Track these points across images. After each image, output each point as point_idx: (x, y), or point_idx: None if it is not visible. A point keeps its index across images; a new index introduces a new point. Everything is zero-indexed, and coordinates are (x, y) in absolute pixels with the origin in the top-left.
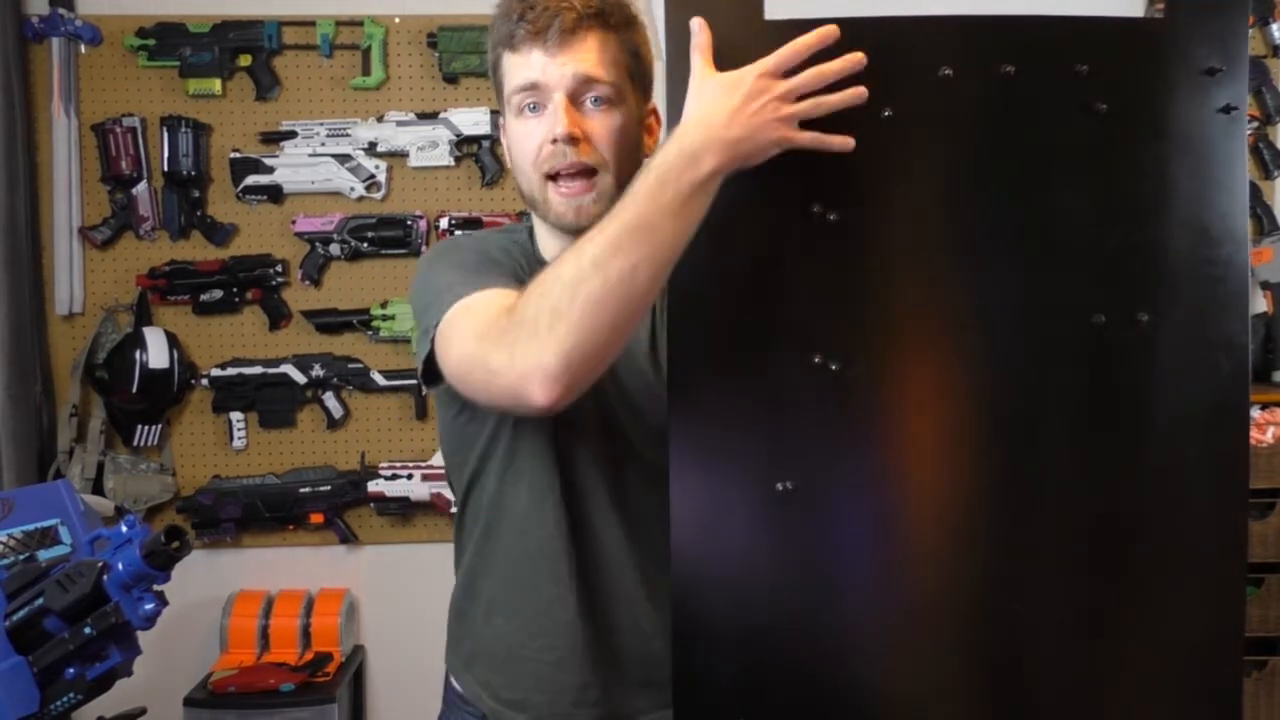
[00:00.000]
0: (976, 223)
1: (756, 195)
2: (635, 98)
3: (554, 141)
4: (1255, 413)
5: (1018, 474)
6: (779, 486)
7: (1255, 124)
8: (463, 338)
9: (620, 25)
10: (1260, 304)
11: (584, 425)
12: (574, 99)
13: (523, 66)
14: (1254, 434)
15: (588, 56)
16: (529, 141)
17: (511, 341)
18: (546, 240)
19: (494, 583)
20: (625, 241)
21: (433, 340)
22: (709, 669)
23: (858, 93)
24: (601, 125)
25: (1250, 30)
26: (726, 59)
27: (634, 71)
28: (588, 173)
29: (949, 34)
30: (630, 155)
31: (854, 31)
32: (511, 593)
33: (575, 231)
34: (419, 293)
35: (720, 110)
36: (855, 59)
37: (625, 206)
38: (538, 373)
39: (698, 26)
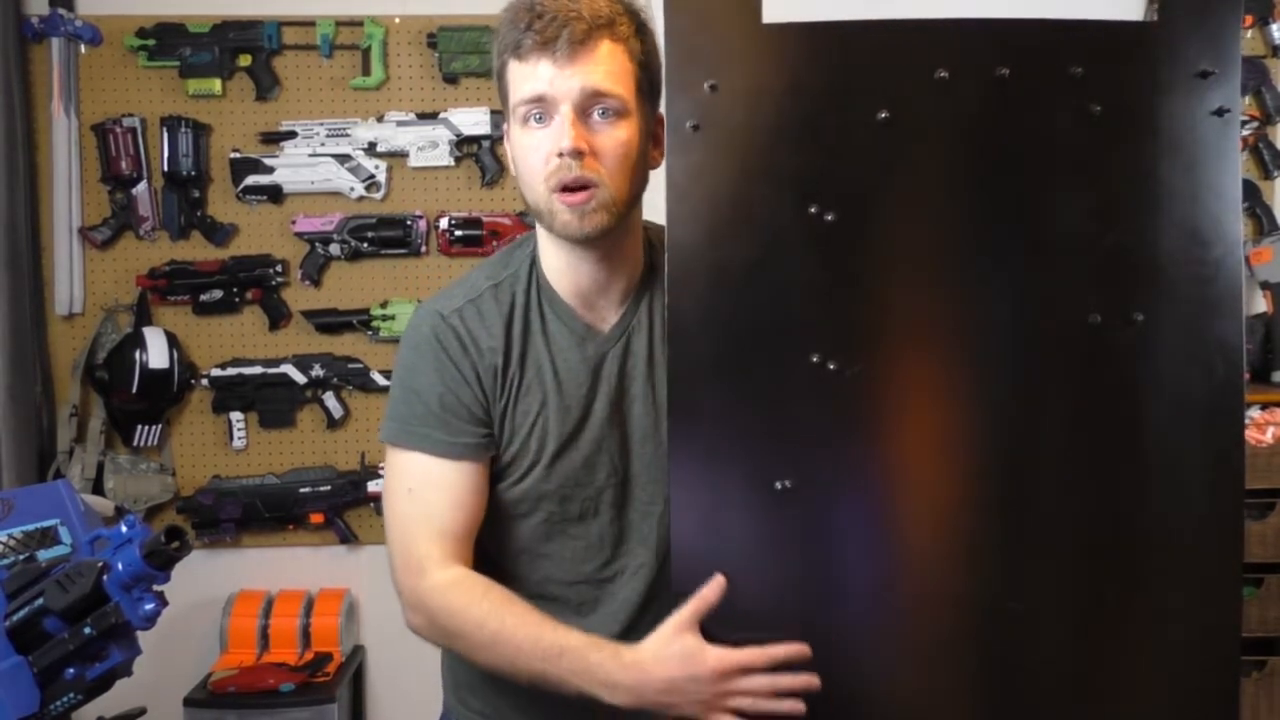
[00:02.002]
0: (973, 223)
1: (755, 195)
2: (643, 108)
3: (560, 155)
4: (1255, 413)
5: (1015, 472)
6: (778, 485)
7: (1255, 124)
8: (390, 526)
9: (630, 35)
10: (1260, 304)
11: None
12: (581, 112)
13: (529, 78)
14: (1254, 434)
15: (596, 69)
16: (534, 154)
17: (417, 611)
18: (551, 253)
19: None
20: (519, 673)
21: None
22: None
23: (795, 707)
24: (608, 139)
25: (1249, 30)
26: (724, 65)
27: (642, 82)
28: (590, 185)
29: (945, 37)
30: (636, 167)
31: (851, 34)
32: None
33: (582, 240)
34: (395, 372)
35: (664, 675)
36: (809, 682)
37: (545, 659)
38: (414, 627)
39: (714, 588)
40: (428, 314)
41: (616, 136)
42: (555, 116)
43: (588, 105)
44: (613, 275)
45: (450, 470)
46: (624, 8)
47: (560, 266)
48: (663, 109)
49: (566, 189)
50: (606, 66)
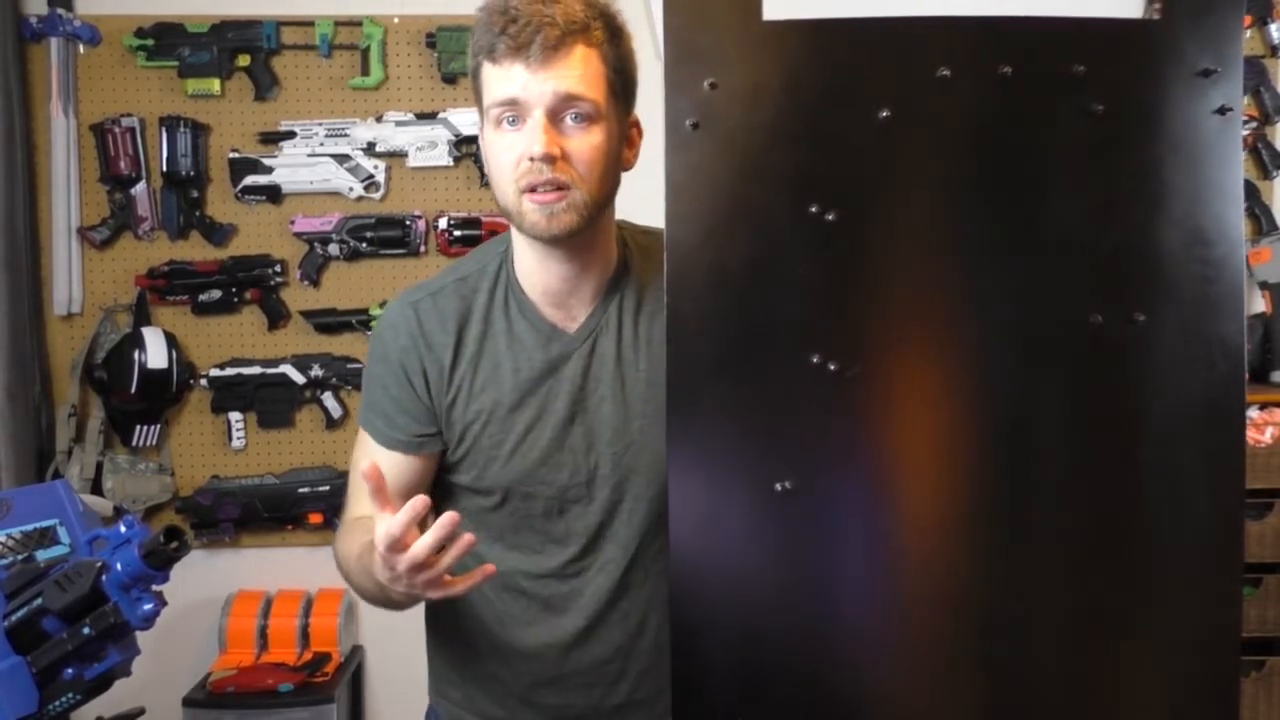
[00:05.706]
0: (975, 223)
1: (754, 195)
2: (616, 112)
3: (531, 159)
4: (1254, 413)
5: (1015, 473)
6: (778, 486)
7: (1254, 124)
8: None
9: (603, 40)
10: (1259, 304)
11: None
12: (553, 116)
13: (503, 81)
14: (1252, 434)
15: (569, 74)
16: (507, 155)
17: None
18: (523, 251)
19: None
20: (380, 587)
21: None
22: (707, 669)
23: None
24: (580, 143)
25: (1249, 30)
26: (724, 62)
27: (616, 86)
28: (562, 187)
29: (947, 35)
30: (608, 170)
31: (852, 32)
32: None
33: (550, 239)
34: (366, 367)
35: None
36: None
37: (365, 562)
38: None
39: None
40: (393, 306)
41: (589, 140)
42: (528, 120)
43: (560, 110)
44: (583, 274)
45: (387, 458)
46: (598, 12)
47: (531, 265)
48: (654, 109)
49: (536, 190)
50: (579, 71)
